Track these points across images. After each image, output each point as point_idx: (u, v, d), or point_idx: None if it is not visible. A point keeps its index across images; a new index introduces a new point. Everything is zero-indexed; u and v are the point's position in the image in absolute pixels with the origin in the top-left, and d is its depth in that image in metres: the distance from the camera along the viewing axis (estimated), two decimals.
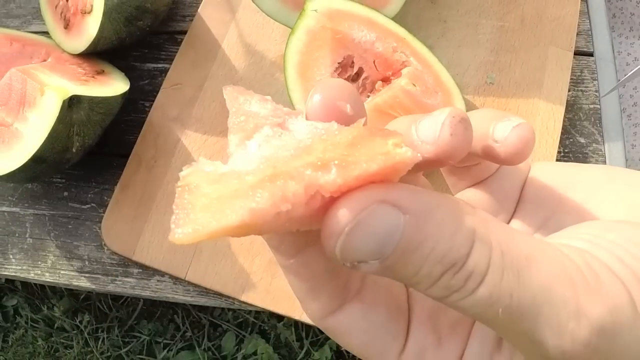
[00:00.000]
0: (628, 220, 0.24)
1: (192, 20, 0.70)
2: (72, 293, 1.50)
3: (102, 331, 1.47)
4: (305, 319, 0.58)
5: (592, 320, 0.19)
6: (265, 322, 1.41)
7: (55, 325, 1.49)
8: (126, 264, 0.63)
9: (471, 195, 0.30)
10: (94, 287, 0.63)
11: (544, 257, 0.20)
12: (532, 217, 0.29)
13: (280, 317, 1.42)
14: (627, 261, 0.20)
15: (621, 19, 1.11)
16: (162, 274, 0.62)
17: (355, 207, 0.19)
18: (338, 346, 1.35)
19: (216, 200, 0.19)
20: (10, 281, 1.53)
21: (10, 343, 1.49)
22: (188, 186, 0.20)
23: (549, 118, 0.62)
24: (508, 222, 0.29)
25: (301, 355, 1.39)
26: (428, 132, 0.23)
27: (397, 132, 0.20)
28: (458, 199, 0.21)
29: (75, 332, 1.47)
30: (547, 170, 0.29)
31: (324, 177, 0.18)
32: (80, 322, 1.47)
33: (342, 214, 0.19)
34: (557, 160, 0.62)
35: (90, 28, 0.62)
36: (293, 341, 1.38)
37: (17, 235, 0.67)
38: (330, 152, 0.19)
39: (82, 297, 1.50)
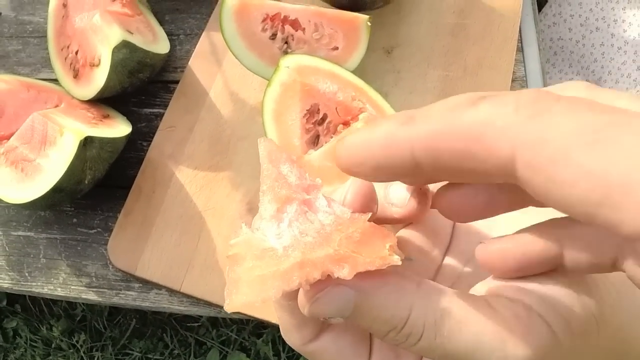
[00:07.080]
0: None
1: (183, 71, 0.78)
2: (69, 314, 1.53)
3: (97, 350, 1.51)
4: None
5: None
6: (246, 339, 1.46)
7: (53, 344, 1.52)
8: (128, 279, 0.71)
9: (408, 234, 0.33)
10: (100, 299, 0.71)
11: (475, 318, 0.24)
12: (465, 247, 0.32)
13: (259, 334, 1.49)
14: (552, 303, 0.24)
15: (561, 57, 1.22)
16: (160, 287, 0.69)
17: (319, 288, 0.25)
18: None
19: (259, 279, 0.24)
20: (10, 304, 1.57)
21: None
22: (236, 257, 0.26)
23: None
24: (443, 255, 0.33)
25: None
26: (398, 197, 0.29)
27: (390, 235, 0.26)
28: (408, 278, 0.26)
29: (71, 350, 1.51)
30: None
31: (339, 272, 0.24)
32: (77, 341, 1.51)
33: (308, 293, 0.25)
34: None
35: (98, 79, 0.70)
36: (271, 356, 1.45)
37: (31, 256, 0.74)
38: (345, 246, 0.25)
39: (78, 318, 1.54)
